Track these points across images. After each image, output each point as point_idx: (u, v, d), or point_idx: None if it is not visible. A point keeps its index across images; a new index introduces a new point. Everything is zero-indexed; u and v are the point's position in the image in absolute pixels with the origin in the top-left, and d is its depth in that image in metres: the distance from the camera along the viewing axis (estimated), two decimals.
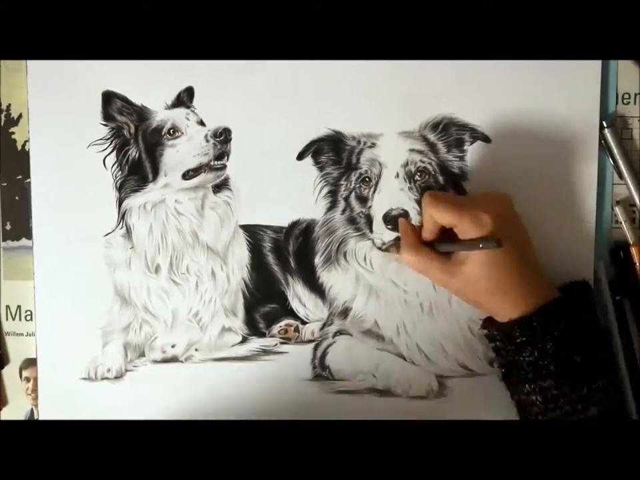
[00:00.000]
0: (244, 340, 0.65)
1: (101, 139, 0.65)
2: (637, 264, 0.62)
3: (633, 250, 0.63)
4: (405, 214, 0.61)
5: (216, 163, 0.64)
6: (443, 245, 0.57)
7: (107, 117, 0.65)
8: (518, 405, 0.58)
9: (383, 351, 0.64)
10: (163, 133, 0.65)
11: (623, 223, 0.63)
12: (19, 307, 0.67)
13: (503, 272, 0.55)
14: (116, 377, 0.65)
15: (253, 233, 0.65)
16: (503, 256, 0.54)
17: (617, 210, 0.63)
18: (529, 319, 0.54)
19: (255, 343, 0.65)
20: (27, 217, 0.66)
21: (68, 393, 0.65)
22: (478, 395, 0.63)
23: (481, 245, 0.53)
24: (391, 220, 0.61)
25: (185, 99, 0.65)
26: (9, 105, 0.66)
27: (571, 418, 0.54)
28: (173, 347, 0.65)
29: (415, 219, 0.61)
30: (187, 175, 0.65)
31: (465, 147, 0.63)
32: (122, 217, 0.65)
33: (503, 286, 0.55)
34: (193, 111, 0.65)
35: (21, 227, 0.66)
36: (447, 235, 0.57)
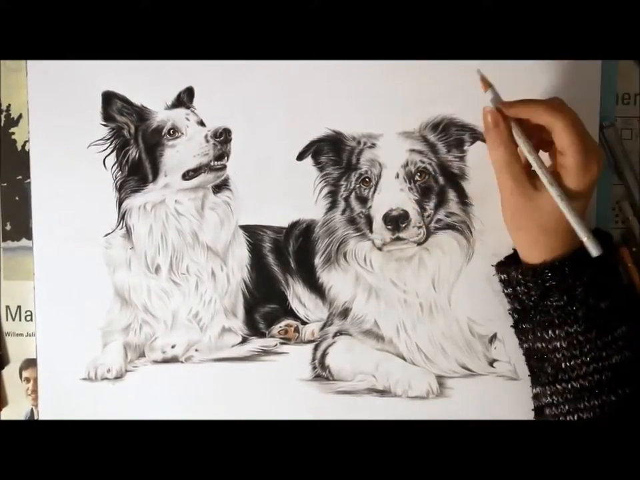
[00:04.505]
0: (244, 340, 0.65)
1: (101, 139, 0.65)
2: (629, 265, 0.62)
3: (622, 251, 0.63)
4: (405, 214, 0.61)
5: (216, 163, 0.64)
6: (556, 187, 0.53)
7: (107, 117, 0.65)
8: (530, 352, 0.58)
9: (382, 351, 0.64)
10: (163, 133, 0.65)
11: (630, 217, 0.63)
12: (19, 307, 0.67)
13: (549, 212, 0.54)
14: (116, 377, 0.65)
15: (253, 233, 0.65)
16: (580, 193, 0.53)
17: (623, 205, 0.63)
18: (561, 263, 0.54)
19: (255, 344, 0.65)
20: (27, 217, 0.66)
21: (68, 393, 0.65)
22: (478, 394, 0.63)
23: (585, 239, 0.52)
24: (391, 220, 0.61)
25: (185, 99, 0.65)
26: (9, 105, 0.66)
27: (594, 365, 0.53)
28: (173, 347, 0.65)
29: (414, 219, 0.61)
30: (187, 176, 0.65)
31: (465, 147, 0.63)
32: (122, 217, 0.65)
33: (560, 225, 0.54)
34: (193, 111, 0.65)
35: (21, 227, 0.66)
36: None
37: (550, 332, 0.55)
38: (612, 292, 0.55)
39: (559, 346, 0.55)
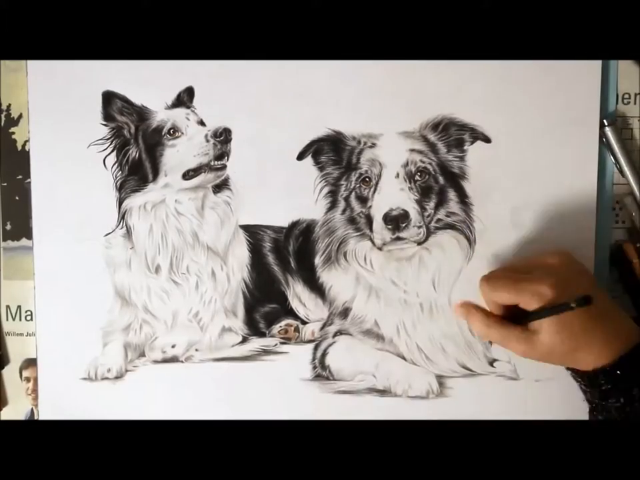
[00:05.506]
0: (244, 340, 0.65)
1: (101, 139, 0.65)
2: (633, 261, 0.63)
3: (626, 247, 0.63)
4: (405, 214, 0.61)
5: (216, 163, 0.64)
6: (533, 314, 0.55)
7: (107, 117, 0.65)
8: None
9: (383, 351, 0.64)
10: (163, 133, 0.65)
11: (634, 213, 0.62)
12: (19, 307, 0.67)
13: (579, 331, 0.54)
14: (116, 377, 0.65)
15: (253, 233, 0.65)
16: (574, 316, 0.54)
17: (626, 201, 0.62)
18: (612, 367, 0.54)
19: (255, 343, 0.65)
20: (26, 217, 0.66)
21: (68, 393, 0.65)
22: (478, 394, 0.63)
23: (572, 305, 0.53)
24: (391, 220, 0.61)
25: (185, 99, 0.65)
26: (9, 105, 0.66)
27: None
28: (173, 347, 0.65)
29: (415, 218, 0.61)
30: (187, 175, 0.65)
31: (465, 147, 0.63)
32: (122, 217, 0.65)
33: (583, 343, 0.54)
34: (193, 111, 0.65)
35: (21, 227, 0.66)
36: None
37: None
38: None
39: None
